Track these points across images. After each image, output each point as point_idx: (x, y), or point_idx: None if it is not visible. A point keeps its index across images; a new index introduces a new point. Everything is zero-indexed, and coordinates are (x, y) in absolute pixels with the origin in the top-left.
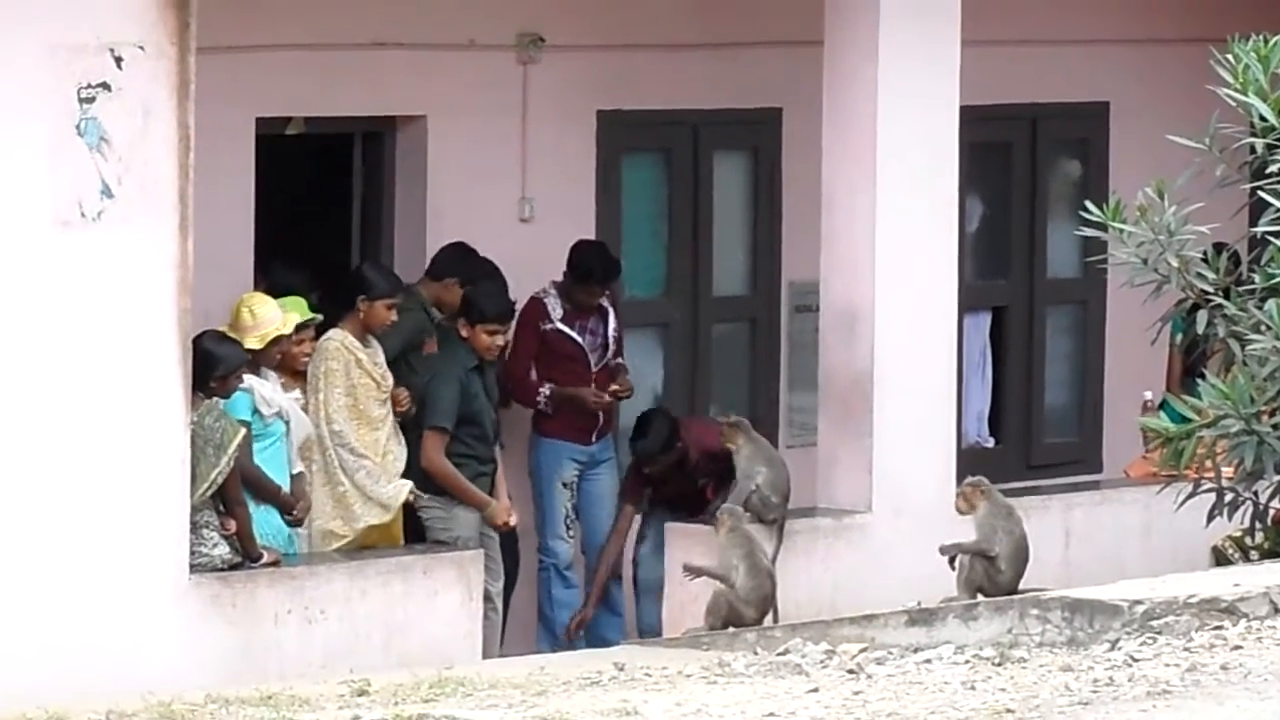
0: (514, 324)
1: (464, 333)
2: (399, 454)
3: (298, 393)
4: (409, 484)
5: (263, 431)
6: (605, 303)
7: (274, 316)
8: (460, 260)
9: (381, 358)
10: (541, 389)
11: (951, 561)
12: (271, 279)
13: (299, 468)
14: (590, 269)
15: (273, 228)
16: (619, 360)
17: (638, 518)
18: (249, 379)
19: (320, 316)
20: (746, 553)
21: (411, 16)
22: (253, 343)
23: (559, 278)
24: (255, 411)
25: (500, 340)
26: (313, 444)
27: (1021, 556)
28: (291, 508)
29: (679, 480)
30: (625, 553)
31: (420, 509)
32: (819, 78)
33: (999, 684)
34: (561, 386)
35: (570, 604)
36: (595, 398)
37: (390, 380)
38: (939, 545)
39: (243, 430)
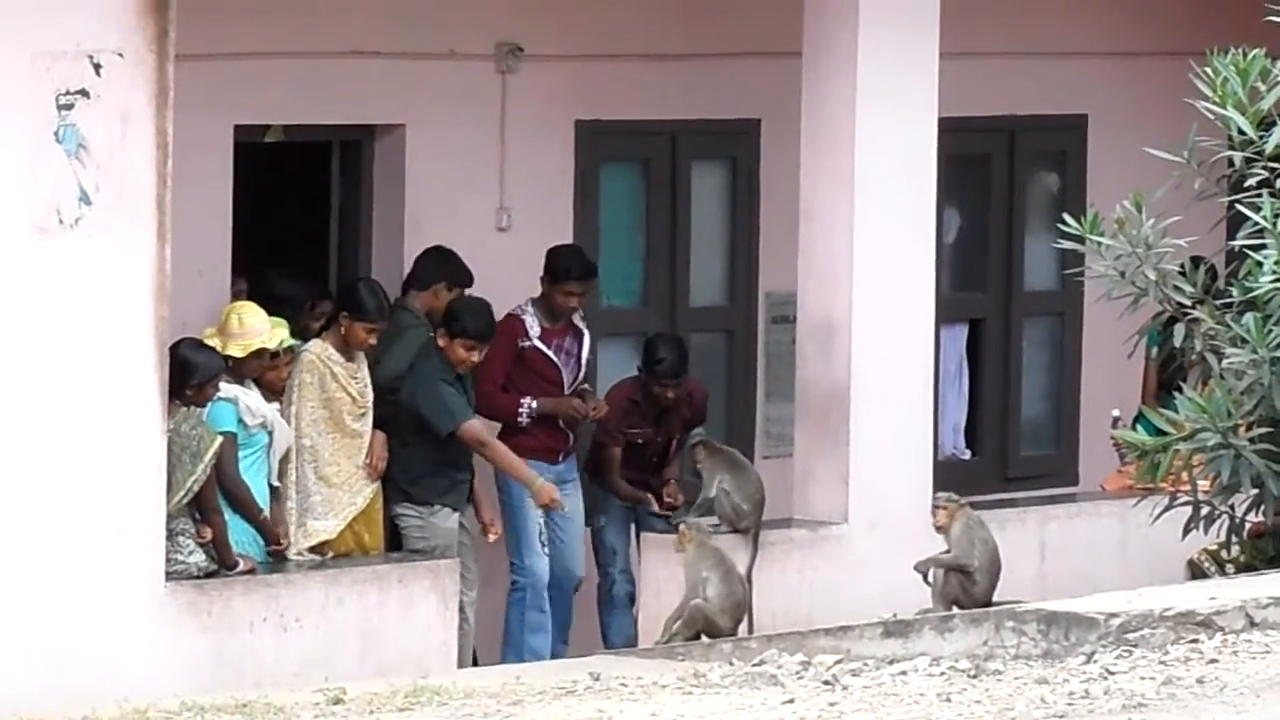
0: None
1: (441, 342)
2: (367, 490)
3: (278, 404)
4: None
5: (246, 441)
6: (581, 324)
7: (261, 328)
8: (444, 264)
9: (364, 373)
10: (524, 401)
11: (925, 577)
12: (268, 287)
13: (277, 481)
14: (568, 267)
15: (250, 235)
16: (585, 385)
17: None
18: (234, 388)
19: (300, 343)
20: (716, 562)
21: (391, 26)
22: (235, 350)
23: (537, 286)
24: (240, 422)
25: (476, 357)
26: (290, 455)
27: (995, 568)
28: (276, 538)
29: (661, 422)
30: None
31: (397, 517)
32: (798, 88)
33: (974, 696)
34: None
35: (543, 628)
36: (579, 410)
37: (369, 396)
38: (914, 564)
39: (219, 439)
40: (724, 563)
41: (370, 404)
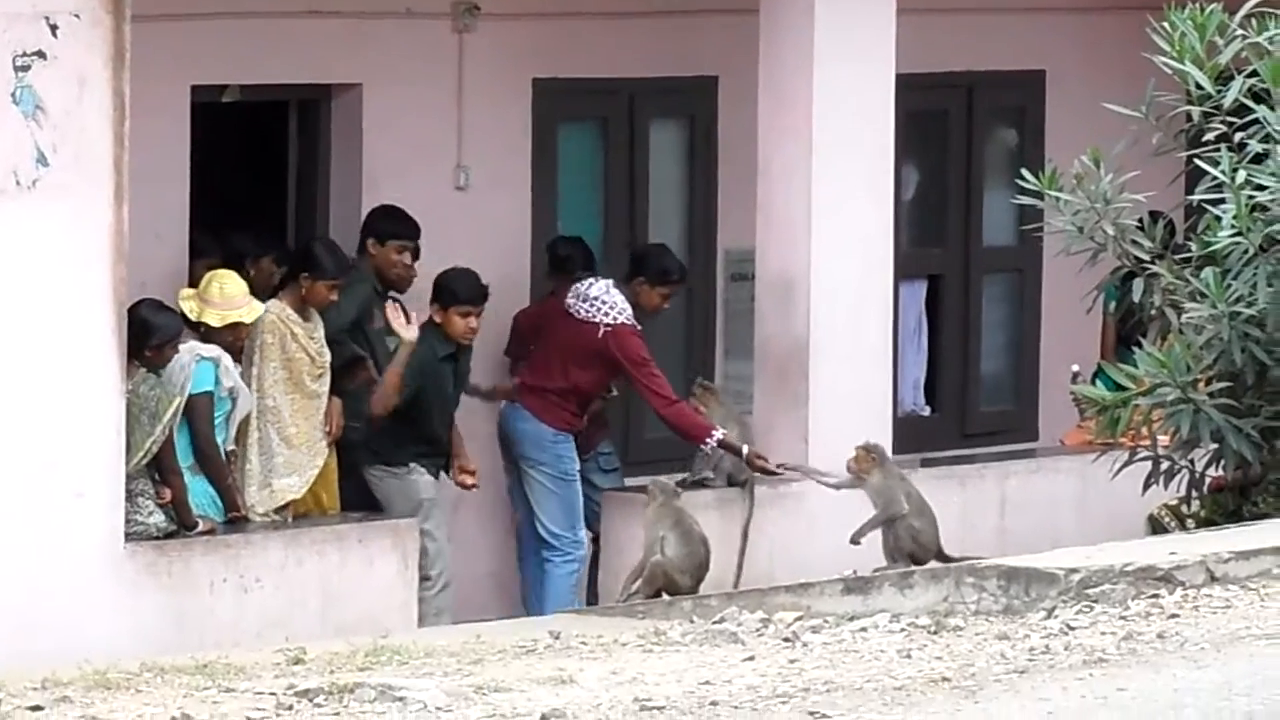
0: (624, 359)
1: (437, 318)
2: (325, 452)
3: (238, 367)
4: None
5: (216, 404)
6: None
7: (241, 300)
8: (403, 222)
9: (320, 333)
10: (715, 433)
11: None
12: (227, 245)
13: (232, 445)
14: (668, 268)
15: (208, 196)
16: None
17: None
18: (216, 349)
19: (265, 308)
20: (675, 522)
21: None
22: (212, 319)
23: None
24: (217, 381)
25: (474, 322)
26: (249, 417)
27: (929, 513)
28: (235, 504)
29: None
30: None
31: (371, 479)
32: (755, 46)
33: (935, 652)
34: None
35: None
36: (760, 461)
37: (327, 356)
38: (849, 537)
39: (178, 399)
40: (683, 522)
41: (327, 364)
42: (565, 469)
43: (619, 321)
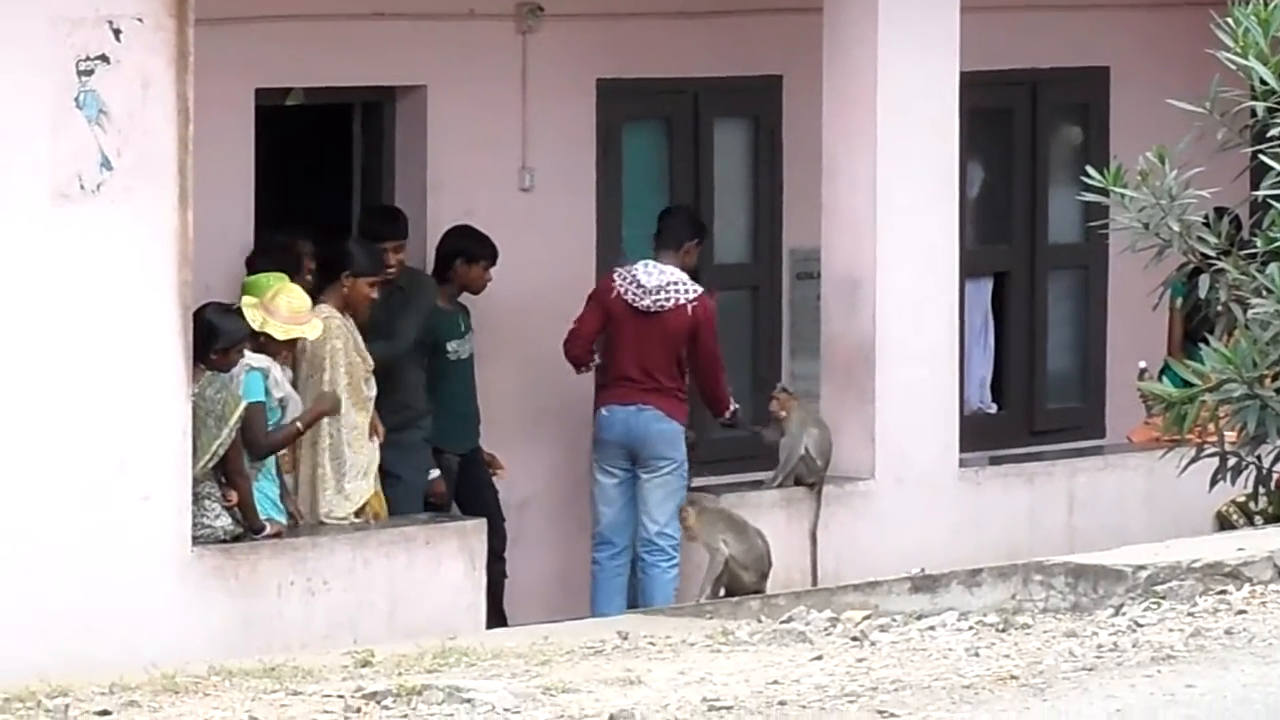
0: (709, 326)
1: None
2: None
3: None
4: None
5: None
6: None
7: (306, 316)
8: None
9: (358, 336)
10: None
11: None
12: (274, 246)
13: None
14: (699, 222)
15: (273, 199)
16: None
17: None
18: (265, 359)
19: (325, 315)
20: (727, 524)
21: None
22: (276, 331)
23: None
24: (267, 392)
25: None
26: (322, 423)
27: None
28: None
29: None
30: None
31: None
32: (819, 45)
33: (1003, 650)
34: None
35: None
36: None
37: (371, 361)
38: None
39: (245, 402)
40: (735, 522)
41: (371, 368)
42: (687, 468)
43: (700, 291)
